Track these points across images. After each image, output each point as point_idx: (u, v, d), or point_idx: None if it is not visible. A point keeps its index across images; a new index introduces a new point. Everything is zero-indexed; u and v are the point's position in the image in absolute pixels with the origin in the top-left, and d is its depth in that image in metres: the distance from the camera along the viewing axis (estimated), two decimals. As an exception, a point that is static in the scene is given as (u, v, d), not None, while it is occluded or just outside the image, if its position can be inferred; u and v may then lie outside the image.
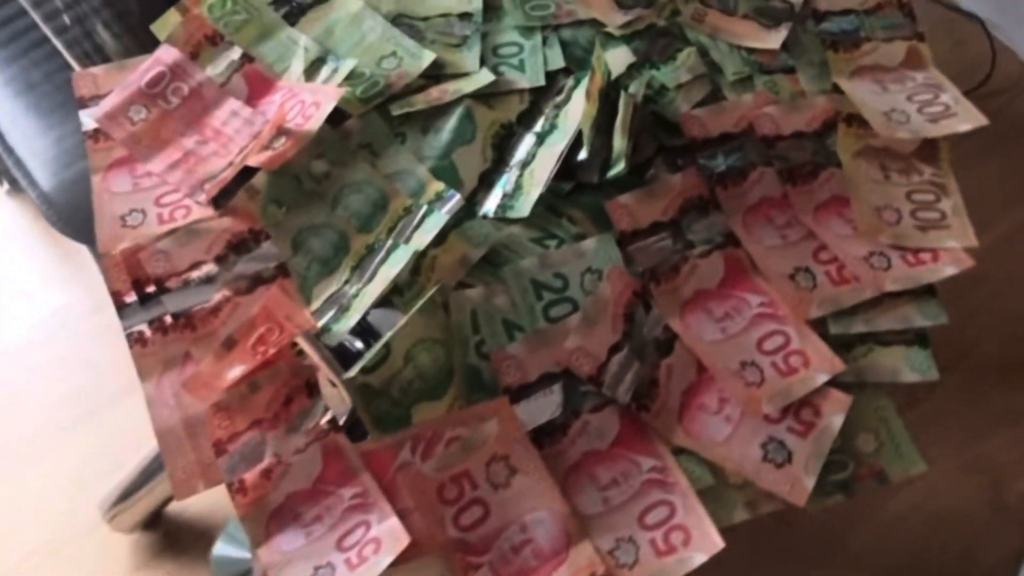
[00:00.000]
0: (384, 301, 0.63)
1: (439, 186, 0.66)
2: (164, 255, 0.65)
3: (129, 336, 0.63)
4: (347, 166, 0.68)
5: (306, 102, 0.69)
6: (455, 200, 0.65)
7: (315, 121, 0.67)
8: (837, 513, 0.93)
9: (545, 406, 0.61)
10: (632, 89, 0.70)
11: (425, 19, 0.74)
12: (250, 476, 0.59)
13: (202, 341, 0.63)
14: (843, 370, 0.63)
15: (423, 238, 0.64)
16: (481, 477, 0.60)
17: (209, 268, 0.65)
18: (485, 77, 0.71)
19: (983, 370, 1.15)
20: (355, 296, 0.63)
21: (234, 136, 0.69)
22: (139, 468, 1.09)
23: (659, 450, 0.61)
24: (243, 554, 1.02)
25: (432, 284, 0.63)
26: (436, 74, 0.71)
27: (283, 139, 0.67)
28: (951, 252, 0.67)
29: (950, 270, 0.66)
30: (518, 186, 0.67)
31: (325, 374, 0.62)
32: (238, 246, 0.65)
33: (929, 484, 1.12)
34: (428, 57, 0.71)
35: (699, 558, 0.58)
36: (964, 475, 1.13)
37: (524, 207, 0.66)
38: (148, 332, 0.63)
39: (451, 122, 0.69)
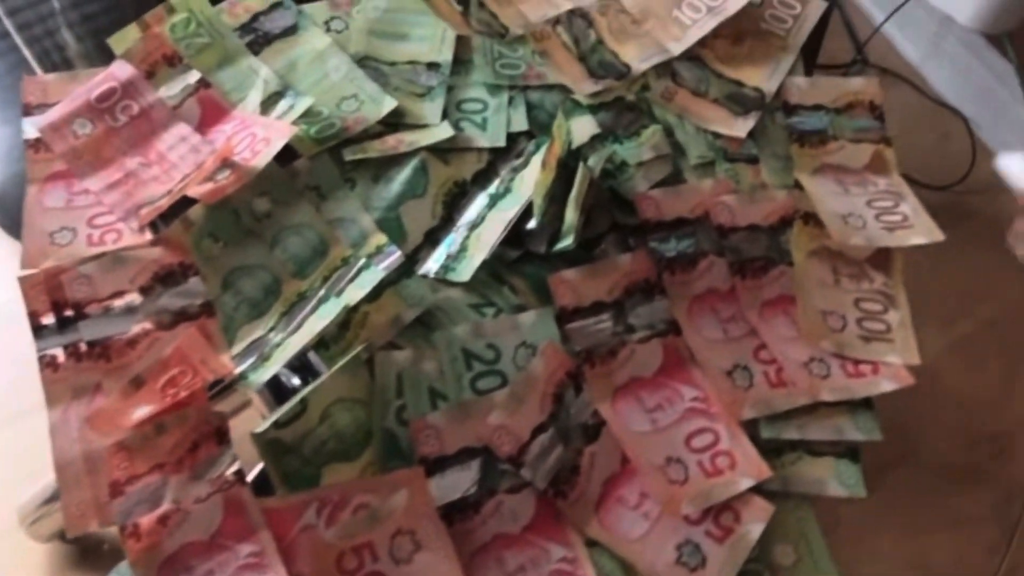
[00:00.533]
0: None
1: (381, 239, 0.65)
2: (87, 280, 0.62)
3: (41, 359, 0.61)
4: (290, 207, 0.66)
5: (257, 136, 0.67)
6: (395, 257, 0.63)
7: (263, 157, 0.65)
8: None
9: (460, 482, 0.59)
10: (591, 162, 0.68)
11: (392, 64, 0.72)
12: (145, 521, 0.57)
13: (115, 373, 0.61)
14: (769, 477, 0.61)
15: (356, 293, 0.62)
16: (384, 550, 0.57)
17: (132, 298, 0.62)
18: (444, 131, 0.69)
19: (928, 470, 1.14)
20: (278, 345, 0.61)
21: (178, 163, 0.67)
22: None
23: (572, 539, 0.60)
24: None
25: (360, 341, 0.61)
26: (395, 122, 0.69)
27: (227, 172, 0.65)
28: (892, 367, 0.66)
29: (888, 385, 0.65)
30: (463, 248, 0.66)
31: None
32: (165, 278, 0.63)
33: (867, 577, 1.10)
34: (389, 104, 0.69)
35: None
36: (901, 571, 1.12)
37: (466, 271, 0.64)
38: (62, 357, 0.61)
39: (404, 173, 0.67)
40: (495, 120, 0.71)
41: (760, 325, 0.66)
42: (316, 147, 0.67)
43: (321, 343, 0.61)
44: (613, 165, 0.70)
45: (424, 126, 0.70)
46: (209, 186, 0.64)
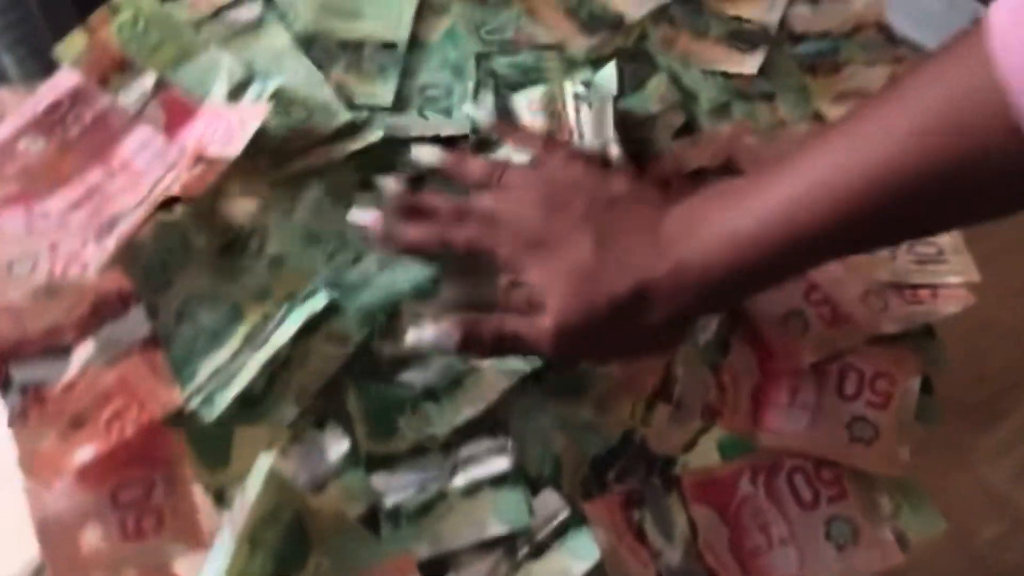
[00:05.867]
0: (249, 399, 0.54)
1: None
2: (16, 316, 0.55)
3: (12, 412, 0.54)
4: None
5: (231, 122, 0.60)
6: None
7: (240, 140, 0.58)
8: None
9: None
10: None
11: (343, 44, 0.66)
12: None
13: (53, 418, 0.53)
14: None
15: (315, 304, 0.56)
16: None
17: (68, 335, 0.55)
18: (373, 135, 0.62)
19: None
20: (242, 366, 0.55)
21: (145, 170, 0.60)
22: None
23: None
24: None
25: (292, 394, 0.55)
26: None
27: (200, 167, 0.58)
28: (951, 289, 0.62)
29: (951, 308, 0.61)
30: None
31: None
32: (104, 310, 0.56)
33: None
34: (343, 117, 0.62)
35: None
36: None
37: None
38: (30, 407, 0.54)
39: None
40: (461, 104, 0.64)
41: (807, 266, 0.62)
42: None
43: (248, 400, 0.54)
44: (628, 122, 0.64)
45: (352, 132, 0.62)
46: (185, 179, 0.57)
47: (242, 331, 0.56)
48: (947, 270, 0.62)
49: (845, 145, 0.44)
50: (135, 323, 0.56)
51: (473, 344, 0.51)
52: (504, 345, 0.51)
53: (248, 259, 0.58)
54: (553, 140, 0.57)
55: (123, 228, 0.57)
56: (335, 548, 0.51)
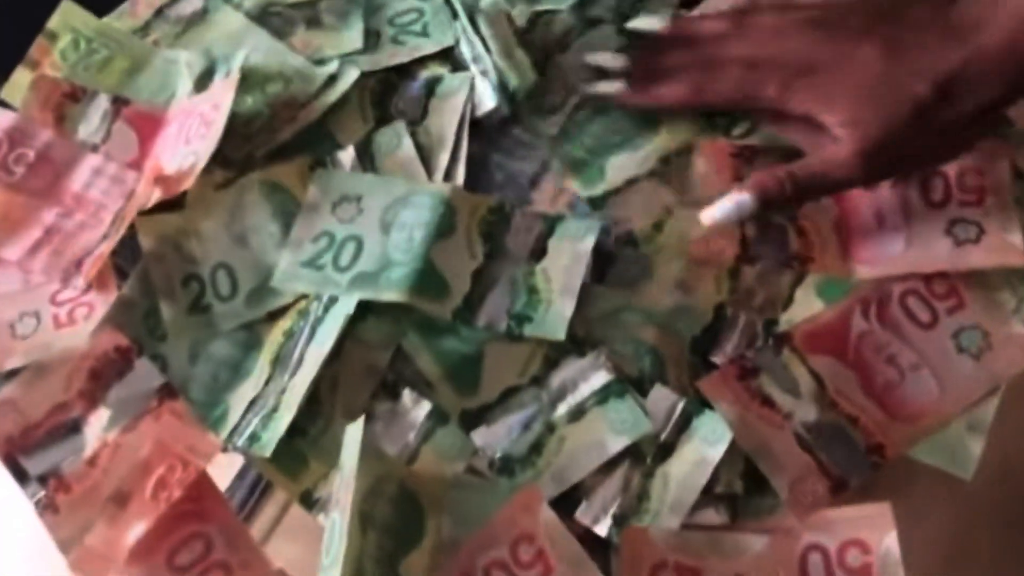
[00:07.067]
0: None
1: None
2: (12, 406, 0.51)
3: (37, 504, 0.50)
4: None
5: (204, 110, 0.56)
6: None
7: (219, 124, 0.53)
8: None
9: None
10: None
11: (297, 5, 0.61)
12: None
13: (84, 503, 0.49)
14: None
15: (347, 308, 0.50)
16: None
17: (75, 409, 0.51)
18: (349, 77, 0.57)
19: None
20: (283, 391, 0.49)
21: (103, 201, 0.56)
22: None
23: None
24: None
25: (338, 409, 0.50)
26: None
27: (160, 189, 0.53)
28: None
29: None
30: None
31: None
32: (105, 372, 0.51)
33: None
34: (319, 75, 0.58)
35: None
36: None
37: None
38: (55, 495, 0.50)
39: None
40: (436, 21, 0.60)
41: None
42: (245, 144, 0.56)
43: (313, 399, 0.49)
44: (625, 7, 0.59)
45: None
46: (157, 193, 0.52)
47: (265, 356, 0.52)
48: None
49: None
50: (144, 376, 0.51)
51: (774, 201, 0.48)
52: (808, 190, 0.48)
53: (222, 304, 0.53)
54: None
55: (87, 264, 0.53)
56: (452, 505, 0.46)
